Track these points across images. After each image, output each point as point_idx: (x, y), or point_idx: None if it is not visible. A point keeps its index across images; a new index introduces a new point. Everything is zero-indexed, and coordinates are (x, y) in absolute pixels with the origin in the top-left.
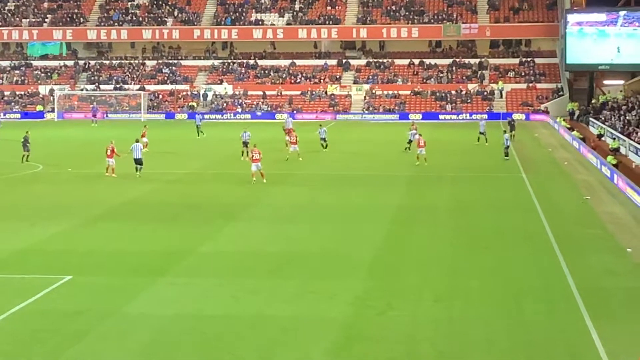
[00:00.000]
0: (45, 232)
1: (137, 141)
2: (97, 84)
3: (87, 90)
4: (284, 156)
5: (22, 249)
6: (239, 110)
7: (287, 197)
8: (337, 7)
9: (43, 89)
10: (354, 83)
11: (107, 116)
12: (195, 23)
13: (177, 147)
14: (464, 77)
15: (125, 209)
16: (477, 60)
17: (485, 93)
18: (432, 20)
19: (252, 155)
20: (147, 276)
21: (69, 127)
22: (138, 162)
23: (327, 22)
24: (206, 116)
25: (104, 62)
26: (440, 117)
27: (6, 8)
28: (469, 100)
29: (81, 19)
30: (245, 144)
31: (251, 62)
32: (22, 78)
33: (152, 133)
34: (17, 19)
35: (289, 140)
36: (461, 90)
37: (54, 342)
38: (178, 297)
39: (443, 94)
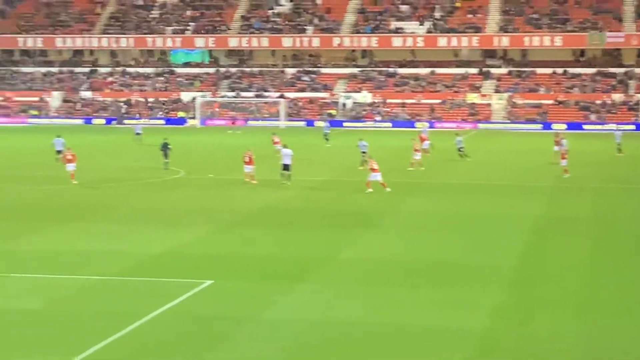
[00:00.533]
0: (186, 236)
1: (285, 146)
2: (237, 92)
3: (227, 97)
4: (425, 165)
5: (163, 252)
6: (378, 118)
7: (424, 206)
8: (478, 15)
9: (185, 96)
10: (495, 92)
11: (247, 123)
12: (335, 31)
13: (313, 154)
14: (608, 87)
15: (264, 215)
16: (622, 70)
17: (630, 103)
18: (576, 29)
19: (371, 166)
20: (286, 282)
21: (210, 133)
22: (286, 168)
23: (467, 30)
24: (345, 124)
25: (245, 69)
26: (585, 127)
27: (150, 16)
28: (613, 111)
29: (223, 26)
30: (363, 153)
31: (391, 70)
32: (166, 85)
33: (290, 140)
34: (161, 27)
35: (420, 148)
36: (606, 101)
37: (194, 345)
38: (316, 304)
39: (587, 104)
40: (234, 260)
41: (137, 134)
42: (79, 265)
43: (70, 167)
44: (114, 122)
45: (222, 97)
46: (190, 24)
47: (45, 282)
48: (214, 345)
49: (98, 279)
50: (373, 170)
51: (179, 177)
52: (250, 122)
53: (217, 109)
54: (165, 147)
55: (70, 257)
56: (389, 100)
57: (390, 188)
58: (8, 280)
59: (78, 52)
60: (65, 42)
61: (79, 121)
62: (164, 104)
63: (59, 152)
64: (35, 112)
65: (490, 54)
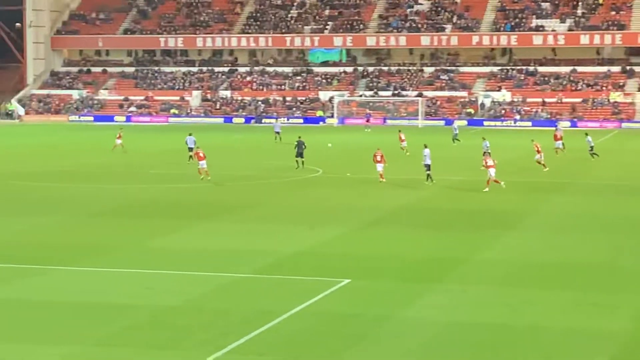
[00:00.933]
0: (323, 235)
1: (426, 146)
2: (375, 90)
3: (365, 96)
4: (559, 165)
5: (300, 251)
6: (517, 117)
7: (562, 207)
8: (621, 12)
9: (323, 95)
10: (639, 90)
11: (385, 122)
12: (474, 29)
13: (449, 153)
14: None
15: (401, 214)
16: None
17: None
18: None
19: (487, 163)
20: (423, 282)
21: (347, 132)
22: (428, 167)
23: (610, 28)
24: (485, 123)
25: (383, 68)
26: None
27: (289, 16)
28: None
29: (361, 25)
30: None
31: (531, 68)
32: (304, 84)
33: (427, 139)
34: (299, 26)
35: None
36: None
37: (332, 344)
38: (453, 304)
39: None
40: (371, 259)
41: (277, 132)
42: (218, 262)
43: (202, 164)
44: (252, 120)
45: (360, 96)
46: (328, 23)
47: (184, 279)
48: (352, 344)
49: (236, 277)
50: (488, 166)
51: (317, 176)
52: (389, 121)
53: (354, 108)
54: (300, 146)
55: (208, 255)
56: (528, 99)
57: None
58: (147, 276)
59: (217, 52)
60: (205, 42)
61: (219, 120)
62: (301, 103)
63: (191, 149)
64: (175, 111)
65: (634, 51)
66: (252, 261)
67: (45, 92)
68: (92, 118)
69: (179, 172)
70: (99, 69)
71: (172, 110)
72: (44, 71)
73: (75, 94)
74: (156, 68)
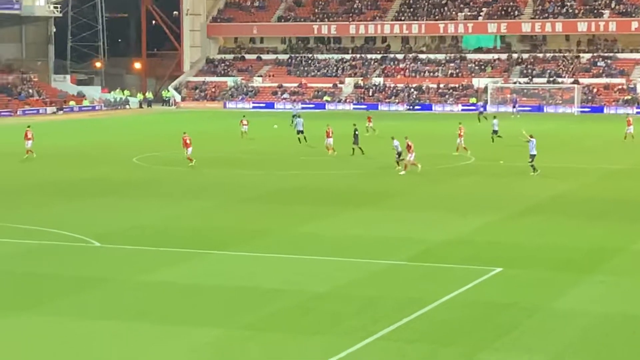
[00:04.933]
0: (474, 223)
1: (531, 137)
2: (530, 77)
3: (519, 83)
4: None
5: (451, 239)
6: None
7: None
8: None
9: (476, 82)
10: None
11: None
12: (634, 15)
13: (607, 144)
14: None
15: (554, 204)
16: None
17: None
18: None
19: None
20: (575, 272)
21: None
22: (532, 158)
23: None
24: None
25: (538, 55)
26: None
27: (443, 2)
28: None
29: (516, 11)
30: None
31: None
32: (457, 71)
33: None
34: (453, 12)
35: None
36: None
37: (482, 332)
38: (608, 295)
39: None
40: (523, 248)
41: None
42: (368, 250)
43: (329, 141)
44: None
45: (514, 83)
46: (482, 9)
47: (334, 266)
48: (502, 333)
49: (386, 264)
50: None
51: (469, 164)
52: (547, 109)
53: (508, 95)
54: (355, 135)
55: (358, 241)
56: None
57: None
58: (298, 261)
59: (370, 39)
60: (358, 29)
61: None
62: (454, 90)
63: (300, 132)
64: (328, 98)
65: None
66: (402, 249)
67: (200, 79)
68: (250, 105)
69: (327, 159)
70: (253, 56)
71: (325, 98)
72: (200, 58)
73: (230, 81)
74: (309, 55)
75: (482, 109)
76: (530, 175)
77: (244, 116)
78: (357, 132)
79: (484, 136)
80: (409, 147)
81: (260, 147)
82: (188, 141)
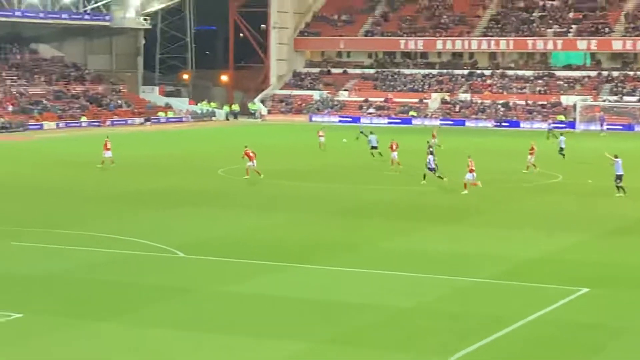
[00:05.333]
0: (561, 242)
1: (617, 157)
2: (620, 95)
3: (609, 101)
4: None
5: (537, 257)
6: None
7: None
8: None
9: (565, 99)
10: None
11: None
12: None
13: None
14: None
15: None
16: None
17: None
18: None
19: None
20: None
21: (588, 137)
22: (619, 178)
23: None
24: None
25: (628, 73)
26: None
27: (531, 18)
28: None
29: (607, 29)
30: None
31: None
32: (545, 88)
33: None
34: (542, 29)
35: None
36: None
37: (568, 353)
38: None
39: None
40: (610, 268)
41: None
42: (453, 266)
43: (394, 155)
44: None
45: (604, 101)
46: (572, 26)
47: (419, 281)
48: (588, 354)
49: (471, 281)
50: None
51: (556, 182)
52: (637, 128)
53: (596, 113)
54: (430, 149)
55: (443, 257)
56: None
57: None
58: (382, 277)
59: (457, 54)
60: (445, 44)
61: (452, 123)
62: (542, 107)
63: (373, 147)
64: (414, 113)
65: None
66: (487, 266)
67: (287, 92)
68: (336, 119)
69: (411, 174)
70: (339, 70)
71: (411, 113)
72: (287, 72)
73: (316, 94)
74: (396, 70)
75: (551, 127)
76: (616, 196)
77: (322, 128)
78: (431, 149)
79: (569, 154)
80: (471, 167)
81: (339, 160)
82: (251, 154)
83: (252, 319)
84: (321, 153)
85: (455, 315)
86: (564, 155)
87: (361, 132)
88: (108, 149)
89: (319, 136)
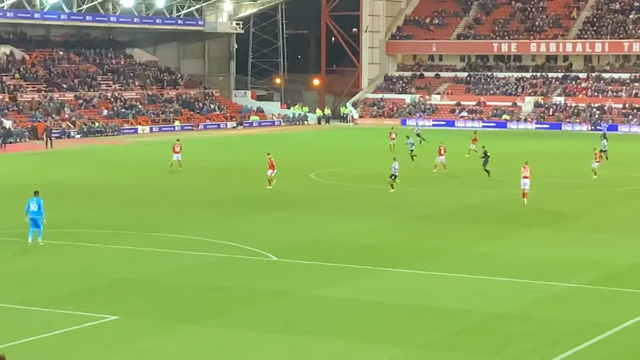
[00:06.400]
0: None
1: None
2: None
3: None
4: None
5: (633, 263)
6: None
7: None
8: None
9: None
10: None
11: None
12: None
13: None
14: None
15: None
16: None
17: None
18: None
19: None
20: None
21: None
22: None
23: None
24: None
25: None
26: None
27: (628, 20)
28: None
29: None
30: None
31: None
32: None
33: None
34: (638, 31)
35: None
36: None
37: None
38: None
39: None
40: None
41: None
42: (547, 271)
43: (440, 158)
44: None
45: None
46: None
47: (512, 286)
48: None
49: (566, 287)
50: None
51: None
52: None
53: None
54: (485, 156)
55: (537, 263)
56: None
57: None
58: (475, 281)
59: (551, 57)
60: (539, 47)
61: (547, 126)
62: (639, 110)
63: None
64: (507, 117)
65: None
66: (582, 271)
67: (378, 96)
68: (430, 122)
69: (499, 180)
70: (431, 74)
71: (504, 116)
72: (378, 75)
73: (407, 98)
74: (489, 73)
75: (605, 129)
76: None
77: (392, 128)
78: (487, 154)
79: None
80: (525, 174)
81: (425, 164)
82: (273, 163)
83: (346, 323)
84: (408, 157)
85: (549, 320)
86: (606, 158)
87: (418, 134)
88: (177, 152)
89: (391, 138)
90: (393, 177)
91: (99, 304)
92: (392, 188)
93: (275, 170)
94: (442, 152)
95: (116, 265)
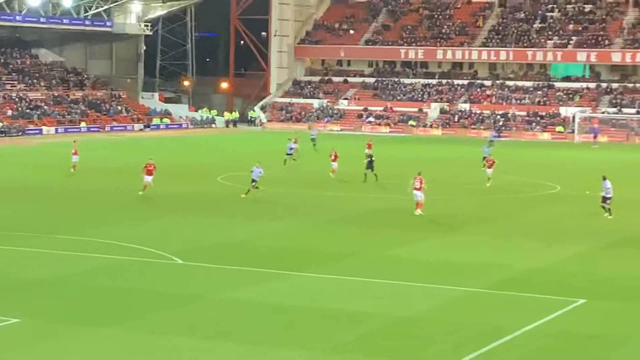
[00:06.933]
0: (560, 253)
1: (605, 179)
2: (618, 107)
3: (608, 113)
4: None
5: (536, 268)
6: None
7: None
8: None
9: (564, 111)
10: None
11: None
12: None
13: None
14: None
15: None
16: None
17: None
18: None
19: None
20: None
21: (582, 149)
22: (604, 200)
23: None
24: None
25: (627, 85)
26: None
27: (531, 29)
28: None
29: (606, 41)
30: None
31: None
32: (544, 99)
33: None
34: (542, 40)
35: None
36: None
37: None
38: None
39: None
40: (608, 280)
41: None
42: (451, 275)
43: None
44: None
45: (602, 112)
46: (572, 37)
47: (418, 291)
48: None
49: (469, 291)
50: None
51: (554, 193)
52: (637, 140)
53: (595, 125)
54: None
55: (443, 267)
56: None
57: None
58: (382, 285)
59: (457, 64)
60: (445, 54)
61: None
62: (541, 118)
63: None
64: (413, 123)
65: None
66: (486, 276)
67: (287, 100)
68: (338, 127)
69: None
70: (340, 79)
71: (410, 122)
72: (287, 80)
73: (315, 103)
74: (396, 79)
75: (494, 138)
76: (604, 216)
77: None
78: (372, 158)
79: (572, 165)
80: (416, 185)
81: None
82: (151, 168)
83: (252, 327)
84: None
85: (453, 324)
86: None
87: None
88: (75, 154)
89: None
90: (253, 183)
91: (0, 307)
92: (246, 194)
93: (152, 177)
94: (334, 158)
95: (18, 267)
